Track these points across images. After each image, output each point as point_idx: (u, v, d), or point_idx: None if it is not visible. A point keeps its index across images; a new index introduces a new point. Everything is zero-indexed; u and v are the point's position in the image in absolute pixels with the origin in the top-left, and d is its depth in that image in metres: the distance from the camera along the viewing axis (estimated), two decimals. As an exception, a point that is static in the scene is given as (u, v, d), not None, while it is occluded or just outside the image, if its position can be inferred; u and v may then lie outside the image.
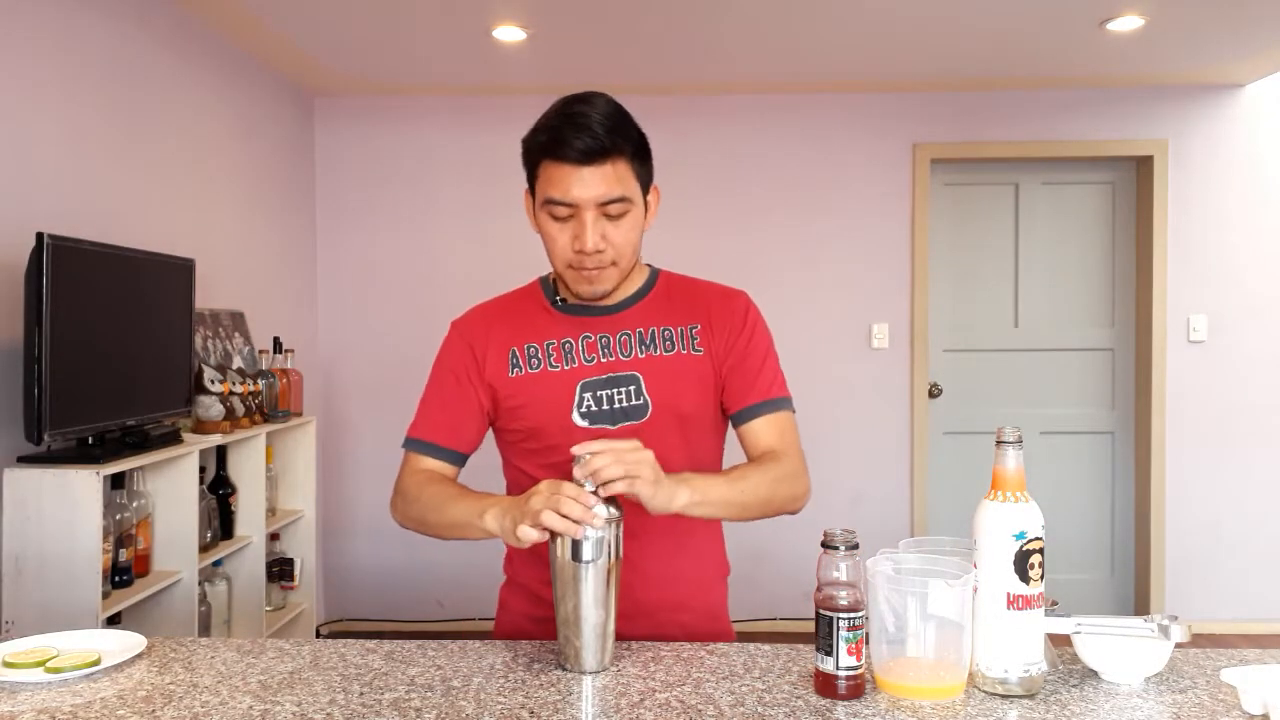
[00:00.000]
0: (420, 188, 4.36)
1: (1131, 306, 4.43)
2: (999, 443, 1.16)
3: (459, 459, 1.51)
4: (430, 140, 4.36)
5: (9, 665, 1.25)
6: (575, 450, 1.23)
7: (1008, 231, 4.45)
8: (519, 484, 1.51)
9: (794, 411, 1.50)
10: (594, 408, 1.45)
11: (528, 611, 1.52)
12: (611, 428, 1.43)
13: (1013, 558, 1.13)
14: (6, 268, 2.27)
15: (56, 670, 1.23)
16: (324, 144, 4.38)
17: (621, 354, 1.46)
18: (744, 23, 3.40)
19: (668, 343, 1.47)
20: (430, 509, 1.41)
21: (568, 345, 1.47)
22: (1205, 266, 4.28)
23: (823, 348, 4.35)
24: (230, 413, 2.87)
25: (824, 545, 1.15)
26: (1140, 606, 4.39)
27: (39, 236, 2.12)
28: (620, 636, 1.31)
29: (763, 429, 1.47)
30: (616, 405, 1.45)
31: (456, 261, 4.35)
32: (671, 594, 1.48)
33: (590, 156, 1.34)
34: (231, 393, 2.90)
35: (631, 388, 1.45)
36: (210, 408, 2.80)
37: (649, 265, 1.55)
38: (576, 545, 1.21)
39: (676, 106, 4.31)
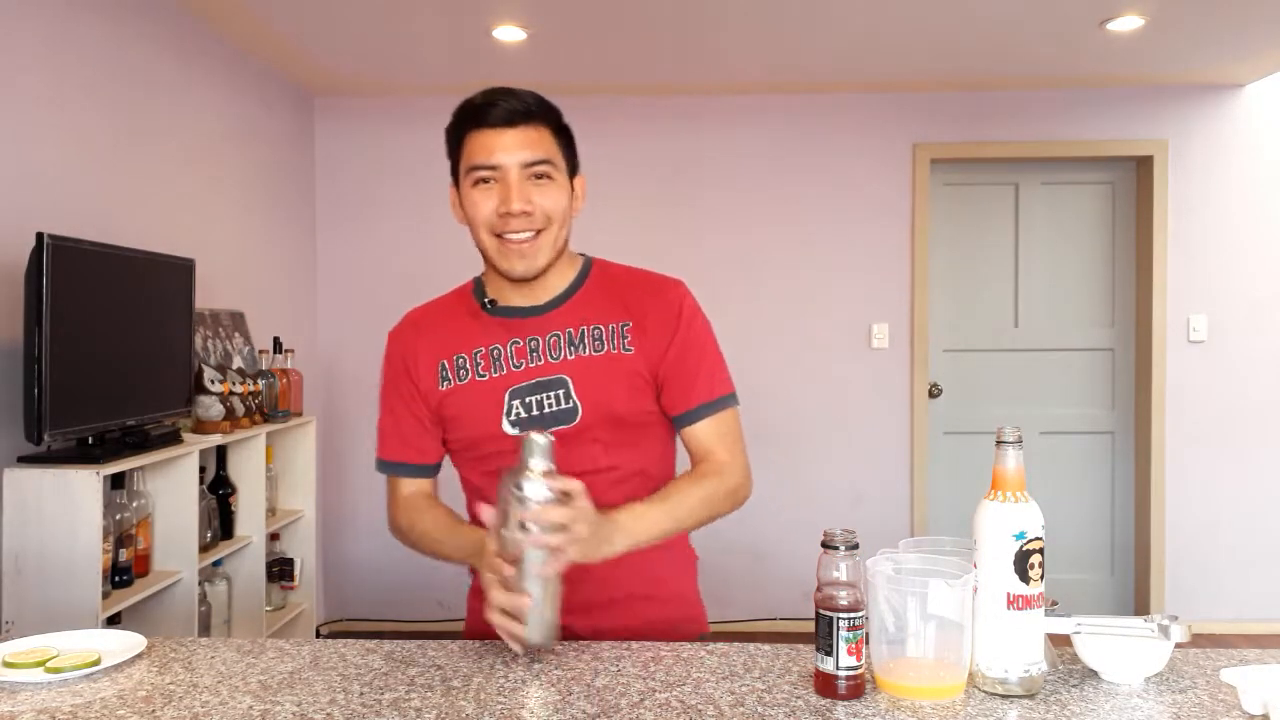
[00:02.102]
0: (420, 188, 4.36)
1: (1131, 306, 4.43)
2: (999, 443, 1.16)
3: (430, 470, 1.52)
4: (430, 140, 4.32)
5: (9, 665, 1.25)
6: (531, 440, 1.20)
7: (1008, 231, 4.45)
8: (469, 486, 1.50)
9: (737, 405, 1.48)
10: (523, 414, 1.41)
11: None
12: (565, 426, 1.40)
13: (1013, 558, 1.13)
14: (6, 268, 2.27)
15: (56, 670, 1.23)
16: (324, 144, 4.38)
17: (550, 356, 1.42)
18: (744, 23, 3.40)
19: (597, 342, 1.43)
20: (425, 549, 1.48)
21: (496, 352, 1.44)
22: (1205, 266, 4.28)
23: (823, 348, 4.35)
24: (230, 413, 2.87)
25: (824, 545, 1.15)
26: (1140, 606, 4.39)
27: (39, 236, 2.12)
28: (589, 630, 1.36)
29: (703, 432, 1.45)
30: (546, 410, 1.41)
31: (456, 261, 4.31)
32: (637, 585, 1.45)
33: (514, 118, 1.37)
34: (231, 393, 2.90)
35: (560, 391, 1.41)
36: (210, 408, 2.80)
37: (582, 255, 1.52)
38: (524, 524, 1.19)
39: (676, 107, 4.31)
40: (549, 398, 1.41)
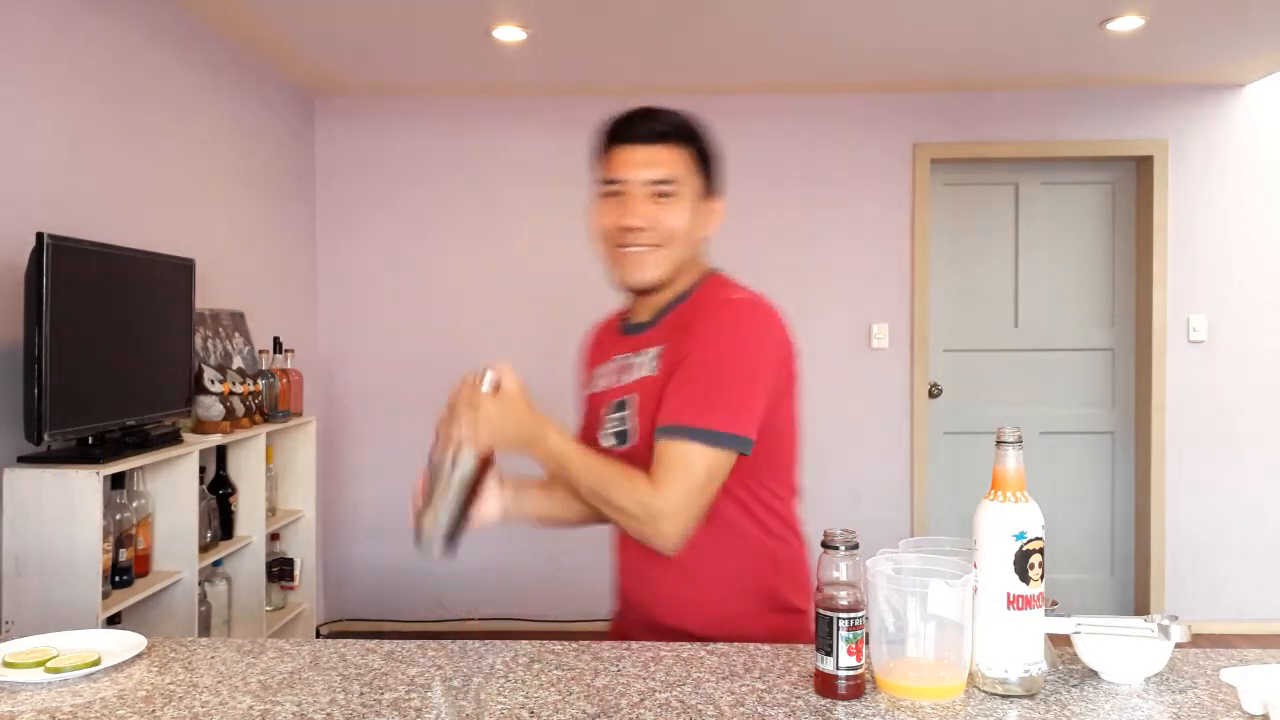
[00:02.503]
0: (420, 188, 4.36)
1: (1131, 306, 4.43)
2: (999, 443, 1.16)
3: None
4: (430, 140, 4.36)
5: (9, 665, 1.25)
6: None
7: (1008, 231, 4.45)
8: None
9: (717, 448, 1.33)
10: (610, 429, 1.48)
11: (621, 611, 1.56)
12: (620, 447, 1.45)
13: (1013, 558, 1.13)
14: (6, 268, 2.27)
15: (56, 670, 1.23)
16: (324, 144, 4.38)
17: (633, 375, 1.47)
18: (744, 23, 3.40)
19: (646, 364, 1.46)
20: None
21: (609, 368, 1.53)
22: (1205, 266, 4.28)
23: (823, 348, 4.34)
24: (230, 413, 2.87)
25: (824, 545, 1.15)
26: (1140, 606, 4.39)
27: (39, 236, 2.12)
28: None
29: (656, 452, 1.35)
30: (620, 428, 1.46)
31: (456, 261, 4.35)
32: (692, 623, 1.43)
33: (646, 137, 1.43)
34: (231, 393, 2.90)
35: (626, 412, 1.45)
36: (210, 408, 2.80)
37: (713, 270, 1.53)
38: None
39: (675, 107, 4.31)
40: (622, 417, 1.46)
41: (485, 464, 1.36)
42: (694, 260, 1.49)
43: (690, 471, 1.33)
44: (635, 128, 1.44)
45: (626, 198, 1.43)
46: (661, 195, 1.42)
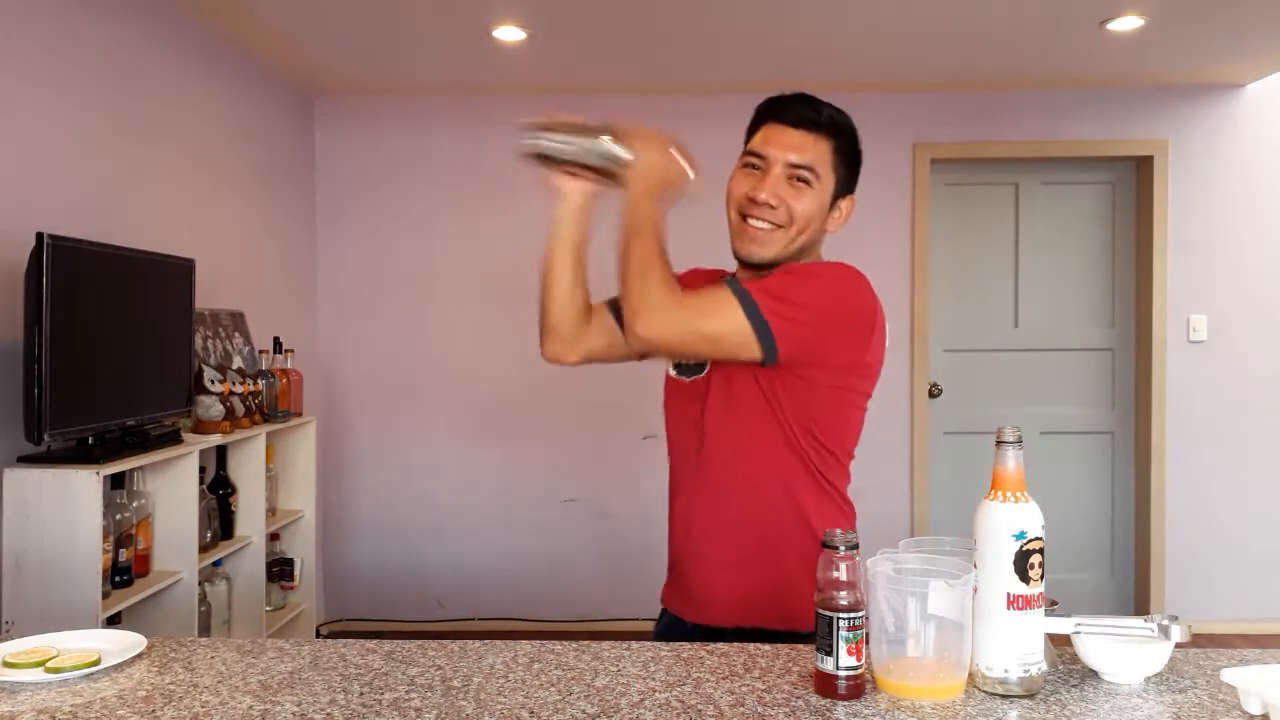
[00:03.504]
0: (420, 188, 4.36)
1: (1131, 306, 4.43)
2: (999, 443, 1.16)
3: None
4: (430, 140, 4.36)
5: (9, 665, 1.25)
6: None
7: (1008, 231, 4.44)
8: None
9: (745, 311, 1.39)
10: (681, 363, 1.56)
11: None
12: (686, 379, 1.55)
13: (1013, 558, 1.13)
14: (6, 268, 2.27)
15: (56, 670, 1.23)
16: (324, 144, 4.37)
17: None
18: (744, 23, 3.40)
19: None
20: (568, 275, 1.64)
21: None
22: (1205, 266, 4.28)
23: (823, 348, 4.34)
24: (230, 413, 2.87)
25: (824, 545, 1.15)
26: (1140, 606, 4.39)
27: (39, 236, 2.12)
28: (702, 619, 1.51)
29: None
30: (693, 361, 1.54)
31: (455, 261, 4.35)
32: (739, 582, 1.50)
33: (797, 121, 1.48)
34: (231, 393, 2.90)
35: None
36: (210, 408, 2.80)
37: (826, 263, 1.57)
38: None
39: (676, 107, 4.31)
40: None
41: (608, 175, 1.48)
42: (811, 250, 1.54)
43: (708, 309, 1.41)
44: (791, 110, 1.49)
45: (764, 174, 1.48)
46: (798, 180, 1.47)
